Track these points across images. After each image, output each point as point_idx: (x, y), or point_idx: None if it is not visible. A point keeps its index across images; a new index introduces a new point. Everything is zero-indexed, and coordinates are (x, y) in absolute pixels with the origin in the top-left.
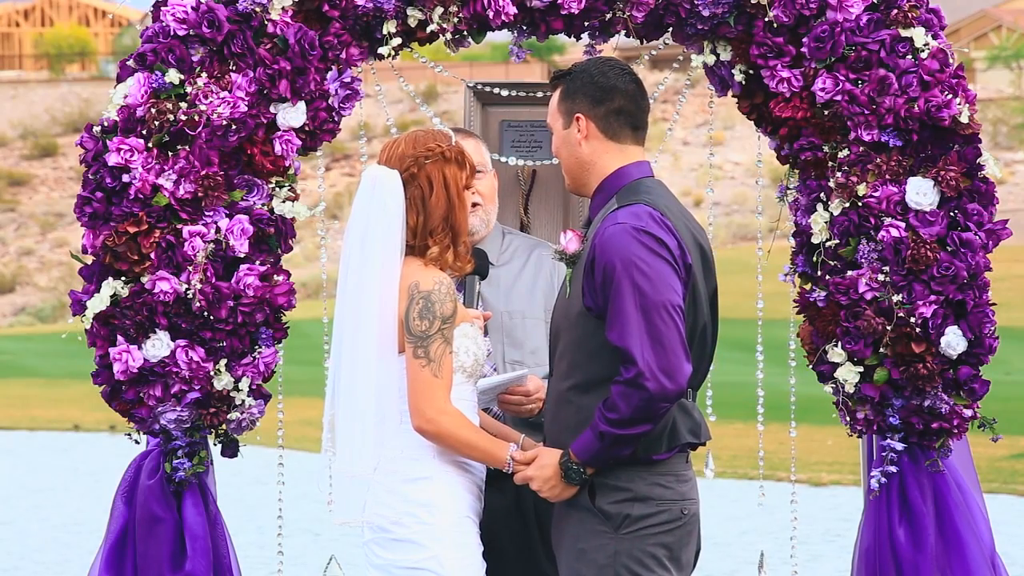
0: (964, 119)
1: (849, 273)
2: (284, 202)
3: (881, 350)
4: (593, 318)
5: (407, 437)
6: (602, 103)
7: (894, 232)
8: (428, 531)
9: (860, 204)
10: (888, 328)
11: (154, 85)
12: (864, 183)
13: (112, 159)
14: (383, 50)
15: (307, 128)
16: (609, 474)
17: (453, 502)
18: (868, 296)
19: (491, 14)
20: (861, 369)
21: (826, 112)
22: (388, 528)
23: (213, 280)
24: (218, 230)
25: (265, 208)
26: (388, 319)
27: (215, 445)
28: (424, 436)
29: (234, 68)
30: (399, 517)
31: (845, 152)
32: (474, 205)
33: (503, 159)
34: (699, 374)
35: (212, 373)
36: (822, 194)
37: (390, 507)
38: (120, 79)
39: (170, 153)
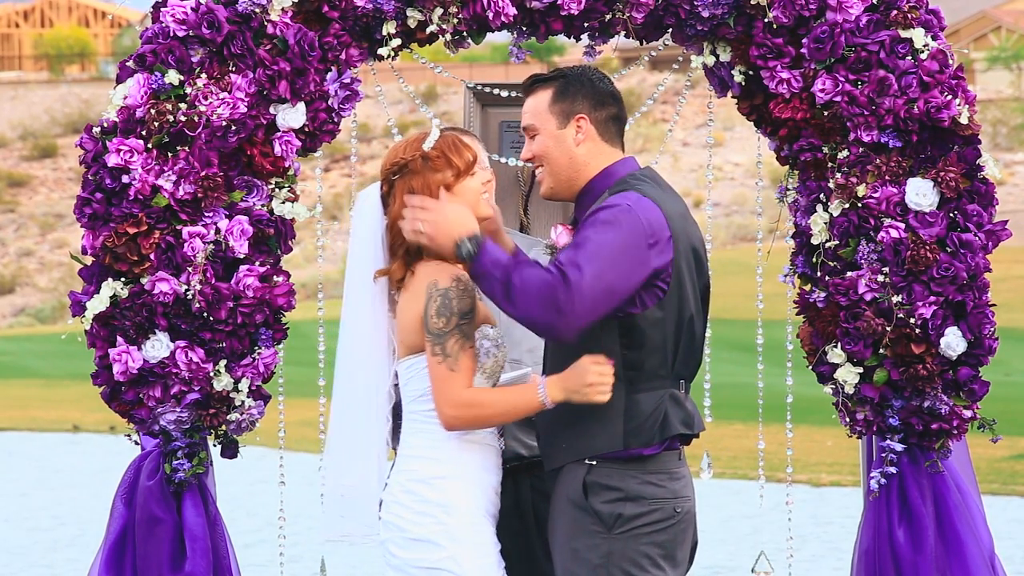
0: (964, 120)
1: (849, 274)
2: (284, 203)
3: (881, 351)
4: None
5: (424, 436)
6: (603, 107)
7: (894, 233)
8: (445, 531)
9: (860, 205)
10: (888, 329)
11: (154, 86)
12: (864, 184)
13: (112, 160)
14: (383, 51)
15: (307, 129)
16: (601, 473)
17: (470, 502)
18: (868, 297)
19: (491, 15)
20: (861, 370)
21: (826, 113)
22: (405, 527)
23: (213, 281)
24: (218, 231)
25: (265, 209)
26: (367, 329)
27: (215, 446)
28: (457, 430)
29: (234, 69)
30: (416, 517)
31: (845, 153)
32: None
33: (503, 160)
34: (690, 366)
35: (212, 374)
36: (822, 195)
37: (407, 507)
38: (120, 80)
39: (170, 154)
